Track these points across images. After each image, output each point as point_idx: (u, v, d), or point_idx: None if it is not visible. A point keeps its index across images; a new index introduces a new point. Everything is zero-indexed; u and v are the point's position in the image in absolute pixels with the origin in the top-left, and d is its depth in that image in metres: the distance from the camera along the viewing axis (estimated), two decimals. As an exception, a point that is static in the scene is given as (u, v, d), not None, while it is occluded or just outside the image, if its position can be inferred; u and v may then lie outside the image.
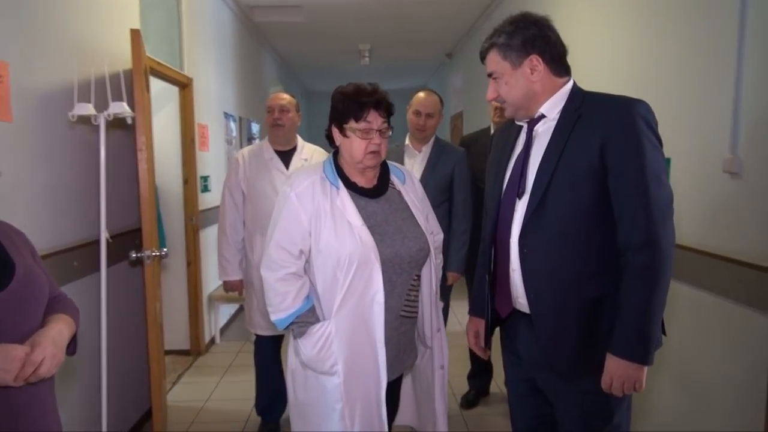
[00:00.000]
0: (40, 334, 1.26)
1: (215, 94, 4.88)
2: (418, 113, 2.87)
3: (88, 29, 2.56)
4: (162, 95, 4.09)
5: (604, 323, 1.46)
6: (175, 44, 4.00)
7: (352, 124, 1.72)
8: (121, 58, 2.77)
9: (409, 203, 1.85)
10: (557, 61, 1.52)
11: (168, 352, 4.18)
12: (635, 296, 1.40)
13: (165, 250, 2.66)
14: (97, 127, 2.37)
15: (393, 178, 1.87)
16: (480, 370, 3.34)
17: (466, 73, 7.19)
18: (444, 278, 2.97)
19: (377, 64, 8.53)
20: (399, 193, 1.86)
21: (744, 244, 1.98)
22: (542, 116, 1.54)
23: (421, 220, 1.84)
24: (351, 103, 1.73)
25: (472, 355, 3.34)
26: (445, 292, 3.05)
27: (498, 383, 3.47)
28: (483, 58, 1.59)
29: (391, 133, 1.79)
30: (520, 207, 1.53)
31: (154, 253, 2.57)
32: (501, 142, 1.71)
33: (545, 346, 1.52)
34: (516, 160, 1.59)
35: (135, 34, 2.43)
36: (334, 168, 1.78)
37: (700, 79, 2.23)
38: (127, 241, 2.85)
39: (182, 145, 4.10)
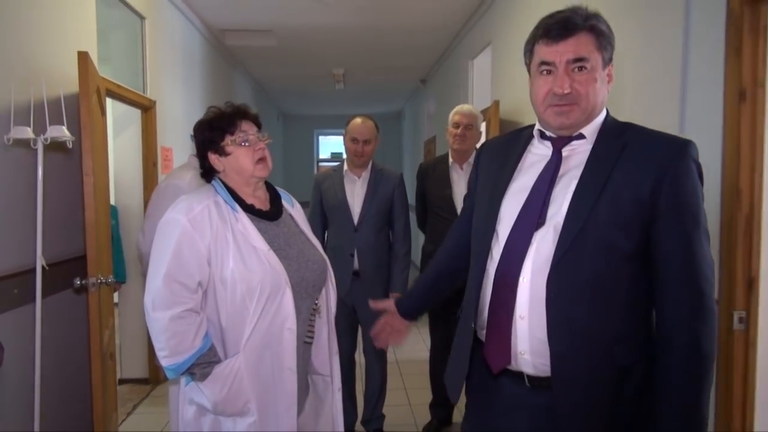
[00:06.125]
0: None
1: (182, 117, 4.82)
2: (355, 140, 2.92)
3: (35, 51, 2.51)
4: (125, 117, 4.03)
5: (626, 399, 1.23)
6: (138, 67, 3.96)
7: (228, 139, 1.67)
8: (75, 80, 2.72)
9: (303, 226, 1.82)
10: None
11: (124, 381, 4.06)
12: (683, 382, 1.19)
13: (111, 277, 2.58)
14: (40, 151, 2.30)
15: (283, 201, 1.83)
16: (441, 400, 3.27)
17: (439, 98, 7.23)
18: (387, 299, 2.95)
19: (352, 88, 8.57)
20: (291, 216, 1.82)
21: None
22: (581, 136, 1.31)
23: (316, 243, 1.81)
24: (219, 122, 1.68)
25: (434, 384, 3.28)
26: None
27: (461, 411, 3.40)
28: (567, 30, 1.24)
29: (270, 141, 1.74)
30: (539, 239, 1.27)
31: (99, 281, 2.49)
32: (494, 167, 1.45)
33: (566, 424, 1.23)
34: (536, 184, 1.32)
35: (82, 56, 2.40)
36: (227, 190, 1.69)
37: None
38: (79, 268, 2.75)
39: (143, 168, 4.03)
